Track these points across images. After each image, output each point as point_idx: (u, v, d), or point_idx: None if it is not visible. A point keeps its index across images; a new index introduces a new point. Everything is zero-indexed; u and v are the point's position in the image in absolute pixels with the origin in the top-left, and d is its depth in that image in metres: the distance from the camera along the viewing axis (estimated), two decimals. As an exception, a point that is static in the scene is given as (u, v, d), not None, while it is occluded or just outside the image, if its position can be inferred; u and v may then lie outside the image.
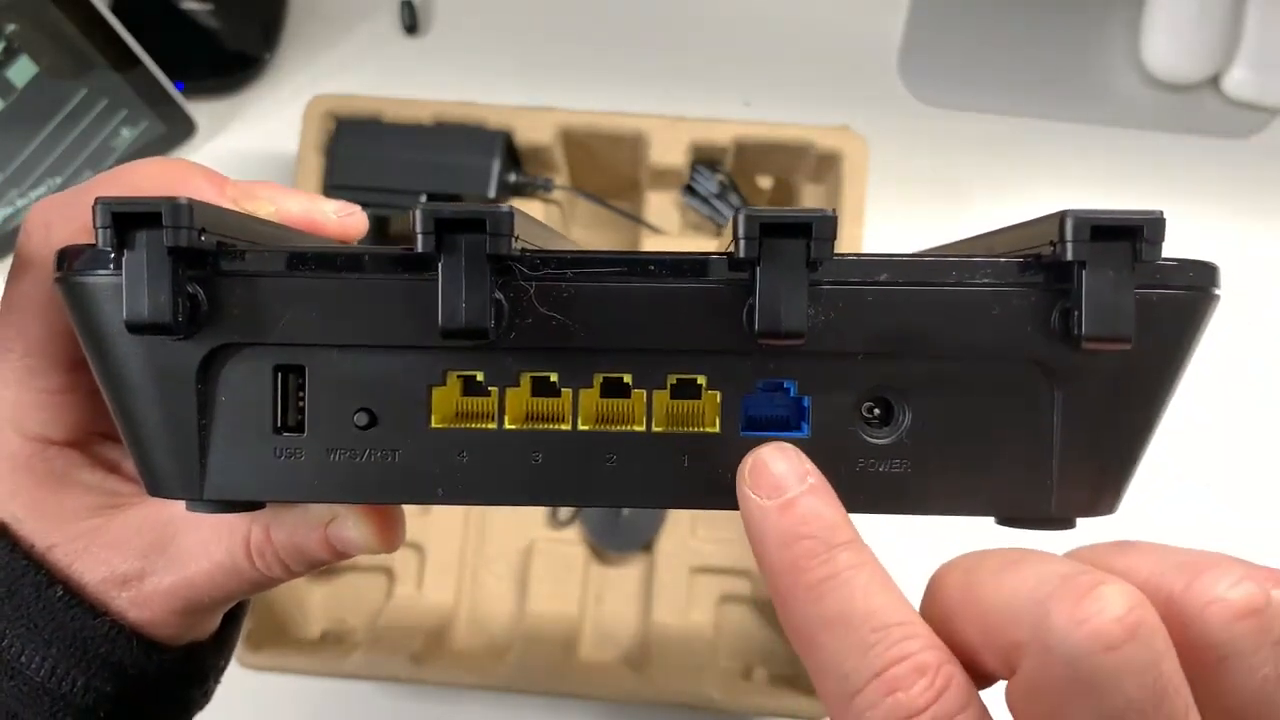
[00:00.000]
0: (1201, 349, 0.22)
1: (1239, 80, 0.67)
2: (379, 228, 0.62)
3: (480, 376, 0.22)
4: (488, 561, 0.62)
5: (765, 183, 0.67)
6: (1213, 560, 0.19)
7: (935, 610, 0.20)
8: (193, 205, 0.20)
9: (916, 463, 0.22)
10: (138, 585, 0.26)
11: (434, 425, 0.22)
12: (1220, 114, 0.68)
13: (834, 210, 0.20)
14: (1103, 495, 0.22)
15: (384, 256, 0.21)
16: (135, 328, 0.20)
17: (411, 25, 0.70)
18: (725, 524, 0.60)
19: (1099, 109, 0.69)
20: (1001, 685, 0.19)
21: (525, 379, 0.22)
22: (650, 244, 0.63)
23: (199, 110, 0.69)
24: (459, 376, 0.22)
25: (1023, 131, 0.69)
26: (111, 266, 0.21)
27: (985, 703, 0.19)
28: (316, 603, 0.63)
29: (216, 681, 0.31)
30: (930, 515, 0.22)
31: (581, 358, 0.22)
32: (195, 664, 0.29)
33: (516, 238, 0.20)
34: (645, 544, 0.61)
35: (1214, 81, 0.68)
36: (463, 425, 0.22)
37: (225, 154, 0.69)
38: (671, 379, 0.22)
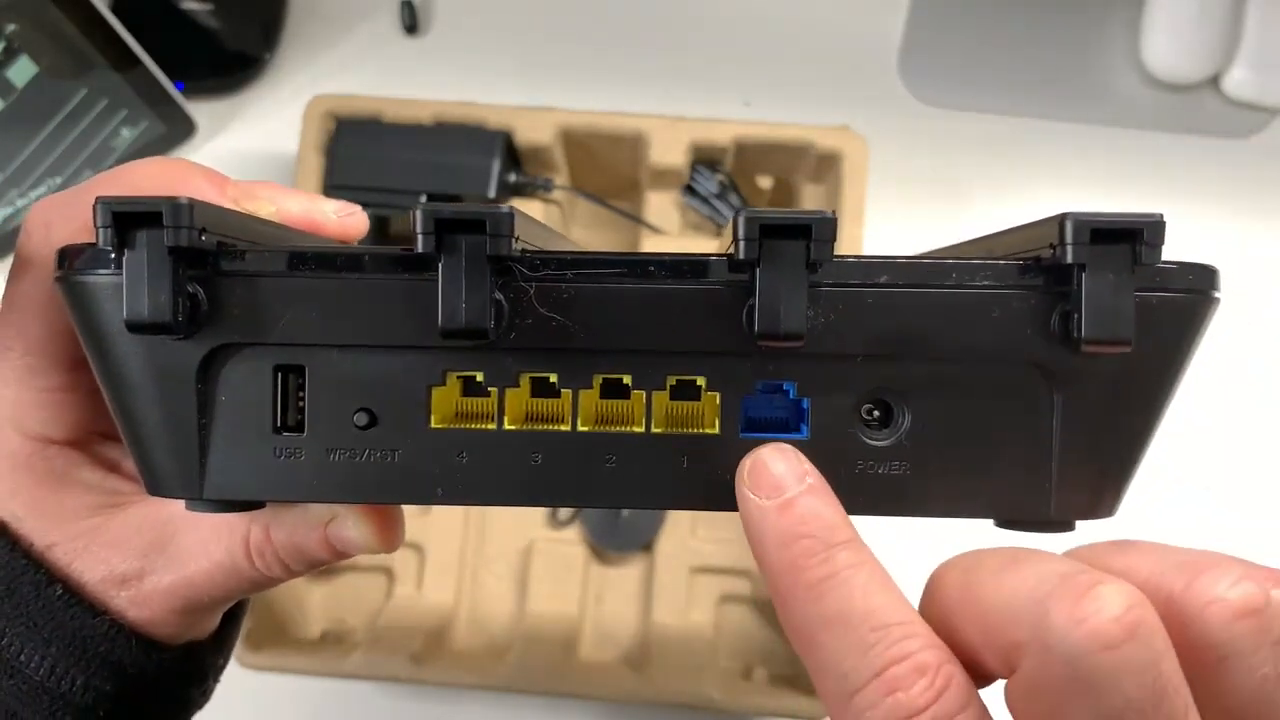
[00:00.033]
0: (1201, 350, 0.22)
1: (1239, 80, 0.67)
2: (379, 228, 0.62)
3: (480, 377, 0.22)
4: (488, 561, 0.62)
5: (765, 183, 0.67)
6: (1212, 560, 0.19)
7: (934, 610, 0.20)
8: (193, 205, 0.20)
9: (916, 465, 0.22)
10: (137, 584, 0.26)
11: (434, 425, 0.22)
12: (1220, 114, 0.68)
13: (834, 212, 0.20)
14: (1102, 498, 0.22)
15: (384, 257, 0.21)
16: (135, 327, 0.20)
17: (411, 25, 0.70)
18: (725, 524, 0.60)
19: (1099, 109, 0.69)
20: (1001, 685, 0.19)
21: (525, 379, 0.22)
22: (650, 244, 0.63)
23: (199, 110, 0.69)
24: (459, 377, 0.22)
25: (1023, 131, 0.69)
26: (112, 266, 0.21)
27: (985, 702, 0.19)
28: (316, 603, 0.63)
29: (216, 680, 0.31)
30: (929, 517, 0.22)
31: (581, 358, 0.22)
32: (194, 663, 0.29)
33: (517, 238, 0.20)
34: (645, 544, 0.61)
35: (1214, 81, 0.68)
36: (462, 425, 0.22)
37: (225, 154, 0.69)
38: (671, 380, 0.22)
